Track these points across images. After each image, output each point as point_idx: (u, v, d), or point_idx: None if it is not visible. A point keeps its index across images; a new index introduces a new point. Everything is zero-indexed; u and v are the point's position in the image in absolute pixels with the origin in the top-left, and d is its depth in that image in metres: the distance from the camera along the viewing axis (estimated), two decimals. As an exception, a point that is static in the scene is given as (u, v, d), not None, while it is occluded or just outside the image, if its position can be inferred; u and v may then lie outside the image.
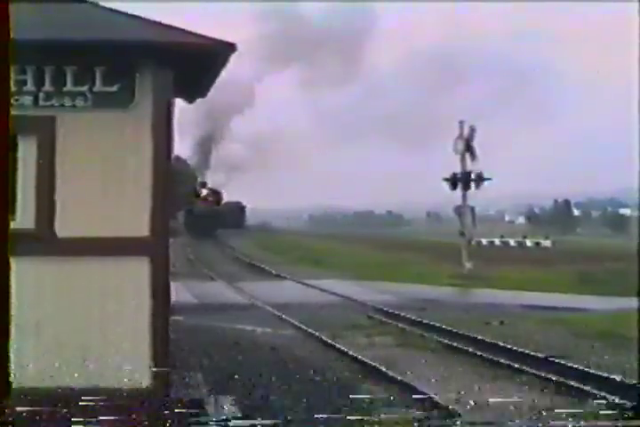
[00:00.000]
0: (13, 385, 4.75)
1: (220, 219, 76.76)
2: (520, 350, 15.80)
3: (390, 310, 23.60)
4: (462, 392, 12.17)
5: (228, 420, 9.92)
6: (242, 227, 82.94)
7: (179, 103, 12.29)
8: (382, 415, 10.82)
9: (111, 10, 10.67)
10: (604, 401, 11.70)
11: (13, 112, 4.44)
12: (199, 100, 12.67)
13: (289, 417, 10.26)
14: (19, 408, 7.94)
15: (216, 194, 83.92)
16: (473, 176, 39.20)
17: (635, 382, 12.33)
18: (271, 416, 10.09)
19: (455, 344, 17.30)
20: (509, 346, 16.32)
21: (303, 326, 20.19)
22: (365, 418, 10.47)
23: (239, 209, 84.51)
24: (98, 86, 10.04)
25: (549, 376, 13.50)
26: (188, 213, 75.47)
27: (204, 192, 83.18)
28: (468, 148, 39.10)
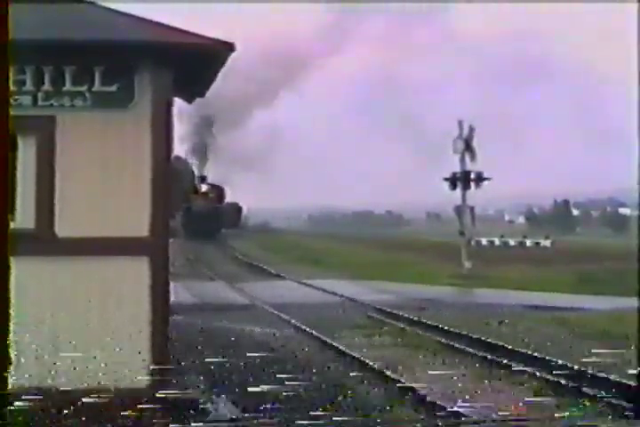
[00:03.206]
0: (13, 385, 4.75)
1: (219, 218, 72.40)
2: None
3: (390, 310, 23.61)
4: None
5: (227, 420, 9.93)
6: (238, 227, 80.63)
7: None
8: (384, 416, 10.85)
9: (111, 10, 10.68)
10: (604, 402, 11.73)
11: (13, 112, 4.44)
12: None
13: (287, 417, 10.26)
14: (18, 408, 7.94)
15: (217, 189, 78.36)
16: (472, 176, 39.22)
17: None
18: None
19: (452, 344, 17.32)
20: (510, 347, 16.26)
21: (303, 327, 20.20)
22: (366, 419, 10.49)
23: (236, 210, 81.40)
24: (97, 86, 10.05)
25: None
26: (187, 212, 70.33)
27: (204, 188, 77.49)
28: (468, 147, 39.12)
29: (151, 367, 9.78)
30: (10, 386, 4.49)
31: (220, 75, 10.94)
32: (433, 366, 14.86)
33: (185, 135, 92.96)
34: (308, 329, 19.65)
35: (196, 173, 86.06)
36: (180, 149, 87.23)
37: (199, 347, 15.48)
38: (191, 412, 10.04)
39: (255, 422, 9.91)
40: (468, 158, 39.30)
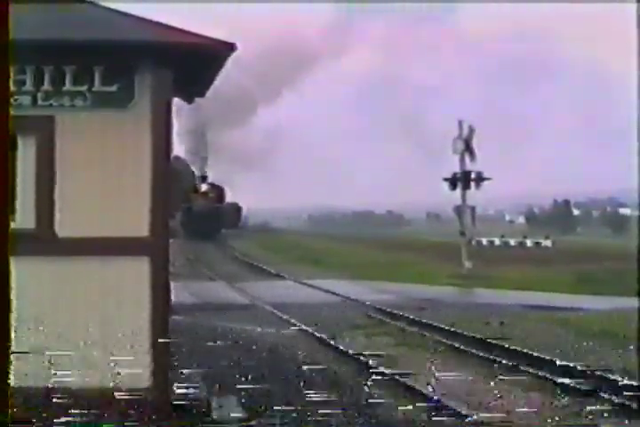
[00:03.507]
0: (13, 385, 4.75)
1: (219, 218, 71.64)
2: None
3: (390, 310, 23.62)
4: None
5: (228, 421, 9.93)
6: (237, 227, 79.71)
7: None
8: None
9: (111, 10, 10.68)
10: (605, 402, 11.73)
11: (13, 112, 4.44)
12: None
13: (288, 419, 10.26)
14: (19, 408, 7.94)
15: (217, 189, 77.40)
16: (473, 176, 39.23)
17: None
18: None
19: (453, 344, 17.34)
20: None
21: (303, 326, 20.22)
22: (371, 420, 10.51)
23: (235, 210, 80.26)
24: (97, 86, 10.04)
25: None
26: (187, 212, 69.21)
27: (204, 187, 76.44)
28: (467, 147, 39.14)
29: (151, 367, 9.77)
30: (10, 385, 4.49)
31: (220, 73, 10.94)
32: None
33: (185, 133, 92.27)
34: (307, 329, 19.68)
35: (197, 172, 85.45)
36: (180, 147, 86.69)
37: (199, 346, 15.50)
38: (192, 411, 10.05)
39: (259, 423, 9.91)
40: (467, 158, 39.34)
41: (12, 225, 4.68)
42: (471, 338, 17.79)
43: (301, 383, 12.48)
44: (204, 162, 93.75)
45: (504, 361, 15.03)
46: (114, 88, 10.07)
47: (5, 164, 4.32)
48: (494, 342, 16.86)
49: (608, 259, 41.73)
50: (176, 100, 11.77)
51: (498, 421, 10.61)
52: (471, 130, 39.53)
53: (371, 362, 14.81)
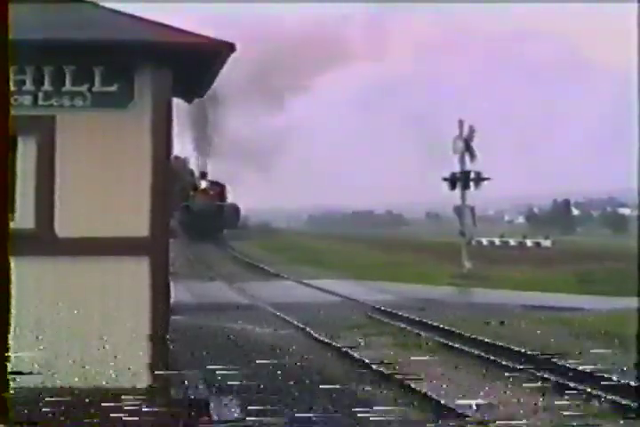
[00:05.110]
0: (13, 385, 4.75)
1: (221, 217, 69.37)
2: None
3: (390, 310, 23.63)
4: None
5: (228, 421, 9.93)
6: (236, 227, 78.39)
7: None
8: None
9: (111, 10, 10.68)
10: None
11: (13, 112, 4.43)
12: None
13: (290, 417, 10.26)
14: (18, 409, 7.94)
15: (218, 186, 74.30)
16: (472, 176, 39.18)
17: None
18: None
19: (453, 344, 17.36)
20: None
21: (302, 326, 20.22)
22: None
23: (234, 210, 78.73)
24: (97, 86, 10.05)
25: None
26: (186, 210, 67.11)
27: (204, 184, 73.86)
28: (468, 147, 39.09)
29: (151, 368, 9.77)
30: (11, 386, 4.49)
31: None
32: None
33: (186, 131, 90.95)
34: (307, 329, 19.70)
35: (197, 169, 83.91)
36: (180, 146, 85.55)
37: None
38: (193, 411, 10.05)
39: (258, 422, 9.91)
40: (467, 158, 39.29)
41: (12, 225, 4.67)
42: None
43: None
44: (206, 159, 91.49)
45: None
46: (114, 88, 10.08)
47: (5, 164, 4.32)
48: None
49: (608, 259, 41.71)
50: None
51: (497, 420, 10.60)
52: (472, 130, 39.47)
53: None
